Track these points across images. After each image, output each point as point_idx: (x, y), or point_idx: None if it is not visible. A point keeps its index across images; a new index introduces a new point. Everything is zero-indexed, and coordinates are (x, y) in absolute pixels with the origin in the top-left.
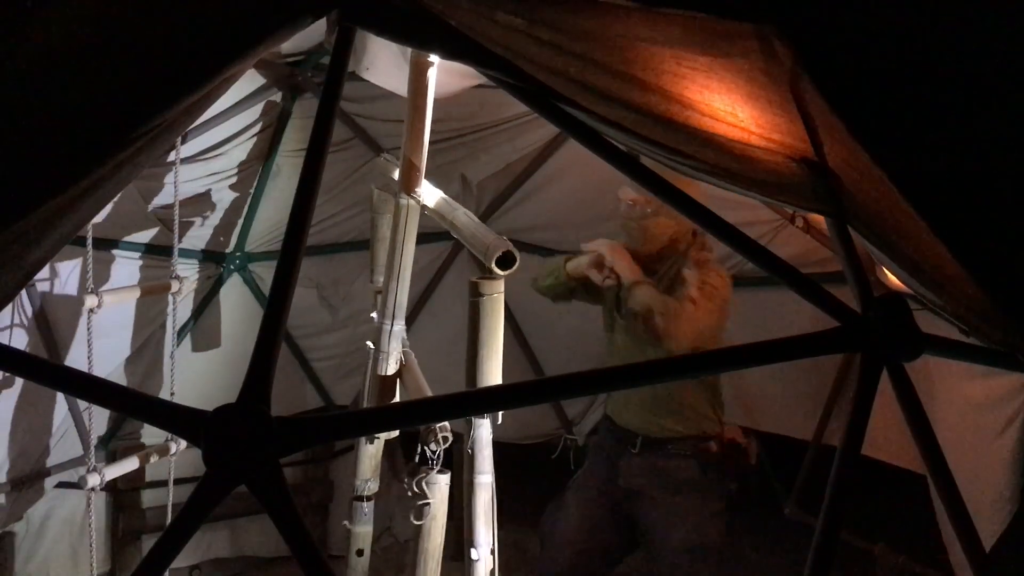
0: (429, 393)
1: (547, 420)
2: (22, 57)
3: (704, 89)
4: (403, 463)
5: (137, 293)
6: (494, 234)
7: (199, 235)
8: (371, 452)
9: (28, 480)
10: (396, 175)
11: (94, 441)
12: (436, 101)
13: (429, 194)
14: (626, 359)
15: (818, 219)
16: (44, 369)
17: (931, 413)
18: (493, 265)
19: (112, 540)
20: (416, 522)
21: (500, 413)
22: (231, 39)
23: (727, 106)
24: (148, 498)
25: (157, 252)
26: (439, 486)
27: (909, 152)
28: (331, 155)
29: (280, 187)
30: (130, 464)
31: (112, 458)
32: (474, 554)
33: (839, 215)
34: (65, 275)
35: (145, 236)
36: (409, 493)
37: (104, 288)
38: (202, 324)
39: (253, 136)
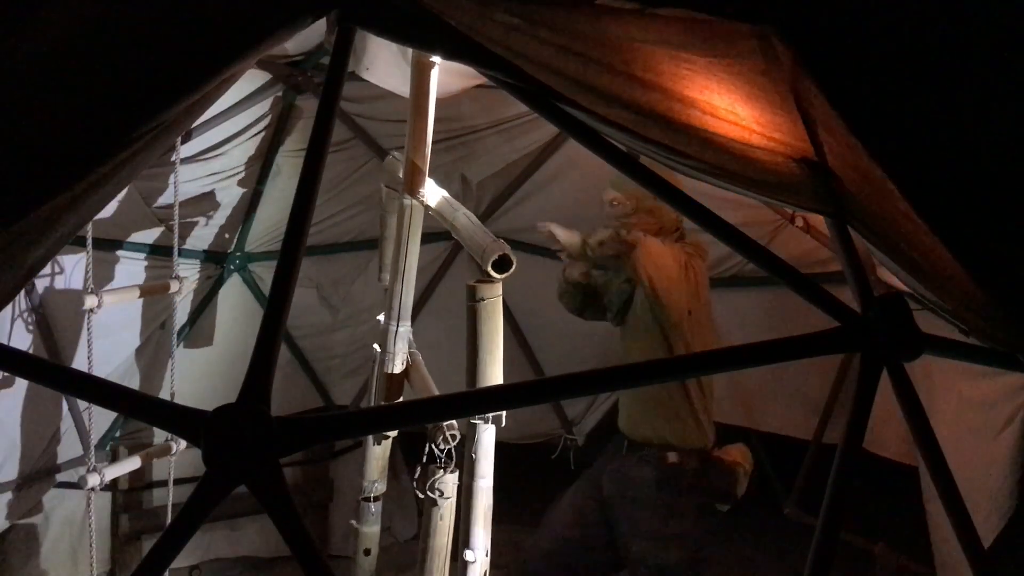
0: (436, 393)
1: (547, 420)
2: (23, 57)
3: (704, 89)
4: (403, 464)
5: (135, 294)
6: (491, 237)
7: (201, 235)
8: (378, 453)
9: (27, 480)
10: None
11: (94, 441)
12: (437, 101)
13: (432, 194)
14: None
15: (818, 219)
16: (44, 369)
17: (931, 412)
18: (489, 268)
19: (112, 540)
20: (440, 520)
21: (504, 416)
22: (231, 39)
23: (727, 105)
24: (148, 498)
25: (161, 253)
26: (448, 486)
27: (909, 152)
28: (331, 155)
29: (280, 187)
30: (130, 464)
31: (112, 458)
32: (469, 556)
33: (839, 215)
34: (66, 274)
35: (150, 236)
36: (418, 493)
37: (105, 288)
38: (200, 325)
39: (253, 136)
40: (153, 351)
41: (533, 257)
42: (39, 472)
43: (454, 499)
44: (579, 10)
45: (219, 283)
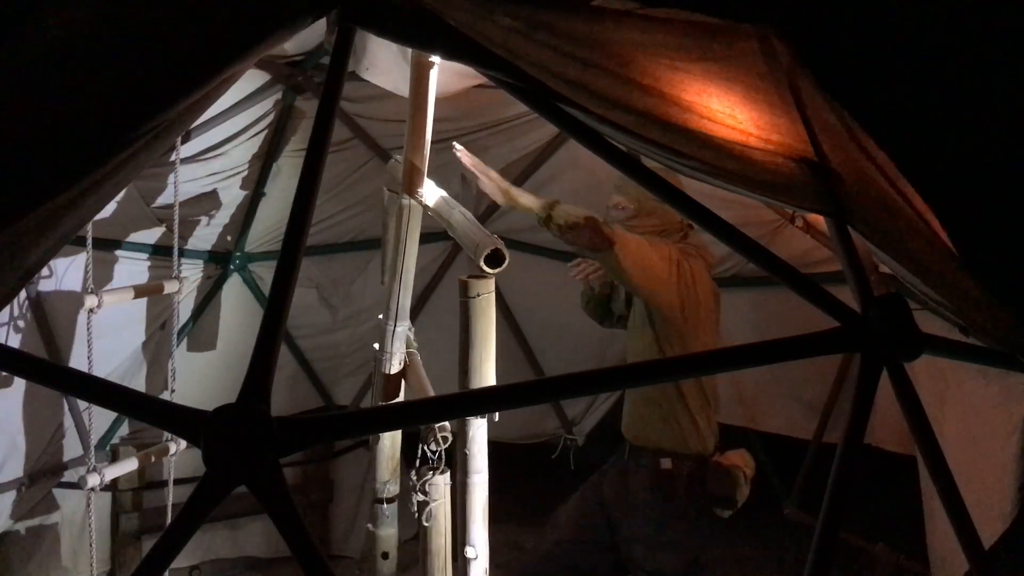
0: (432, 393)
1: (547, 420)
2: (23, 57)
3: (702, 92)
4: (402, 465)
5: (130, 295)
6: (485, 232)
7: (201, 235)
8: (387, 454)
9: (27, 481)
10: None
11: (94, 441)
12: (436, 101)
13: (431, 194)
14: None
15: (818, 219)
16: (44, 369)
17: (942, 413)
18: (482, 263)
19: (112, 540)
20: (426, 523)
21: (497, 412)
22: (231, 39)
23: (726, 109)
24: (148, 498)
25: (162, 253)
26: (439, 487)
27: (909, 152)
28: (331, 155)
29: (280, 187)
30: (130, 464)
31: (112, 458)
32: (470, 552)
33: (839, 215)
34: (63, 274)
35: (151, 237)
36: (415, 495)
37: (105, 288)
38: (201, 325)
39: (254, 136)
40: (153, 351)
41: (533, 257)
42: (40, 473)
43: (447, 500)
44: (578, 14)
45: (219, 283)
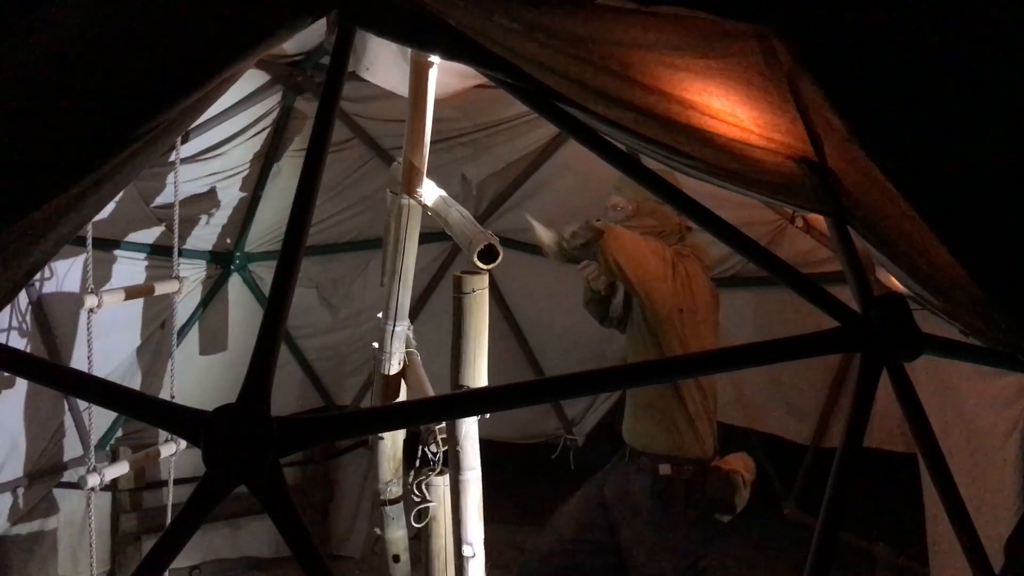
0: (431, 393)
1: (547, 420)
2: (23, 57)
3: (703, 91)
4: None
5: (135, 293)
6: (479, 228)
7: (201, 235)
8: (389, 454)
9: (27, 481)
10: None
11: (94, 441)
12: (436, 101)
13: (429, 193)
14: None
15: (818, 219)
16: (44, 369)
17: (943, 412)
18: (475, 258)
19: (112, 540)
20: (416, 524)
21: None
22: (231, 39)
23: (726, 108)
24: (148, 498)
25: (161, 253)
26: (438, 488)
27: (909, 151)
28: (331, 155)
29: (280, 187)
30: (130, 464)
31: (112, 458)
32: (467, 551)
33: (839, 215)
34: (62, 274)
35: (149, 236)
36: (413, 496)
37: (105, 288)
38: (208, 327)
39: (253, 136)
40: (153, 351)
41: (533, 258)
42: (40, 473)
43: (447, 501)
44: (578, 12)
45: (220, 283)
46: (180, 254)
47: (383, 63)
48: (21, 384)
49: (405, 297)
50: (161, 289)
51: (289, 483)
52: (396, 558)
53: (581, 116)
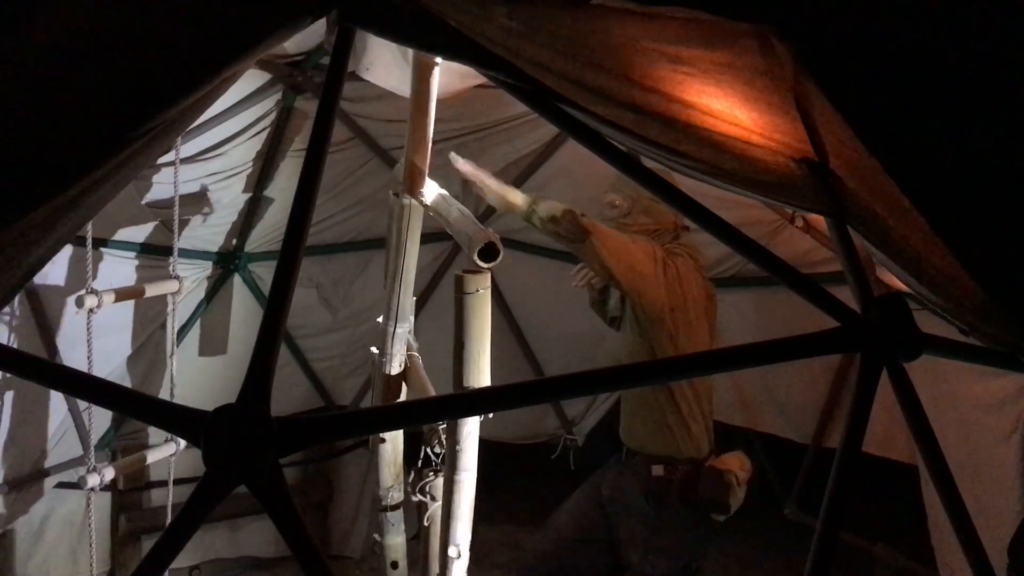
0: (433, 395)
1: (547, 420)
2: (23, 57)
3: (702, 93)
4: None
5: (136, 293)
6: (480, 226)
7: (201, 235)
8: (390, 460)
9: (27, 481)
10: None
11: (94, 441)
12: (437, 101)
13: (430, 192)
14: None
15: (818, 219)
16: (44, 369)
17: (941, 413)
18: (476, 257)
19: (112, 540)
20: (426, 524)
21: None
22: (231, 39)
23: (727, 107)
24: (148, 498)
25: (154, 252)
26: (439, 489)
27: (909, 152)
28: (331, 155)
29: (280, 187)
30: (130, 464)
31: (112, 458)
32: (452, 551)
33: (839, 215)
34: (46, 270)
35: (140, 235)
36: (414, 497)
37: (105, 289)
38: (209, 328)
39: (253, 136)
40: (152, 352)
41: (533, 257)
42: (39, 473)
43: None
44: (578, 12)
45: (219, 283)
46: (179, 254)
47: (383, 63)
48: (21, 384)
49: (406, 298)
50: (161, 289)
51: (289, 483)
52: (395, 565)
53: (581, 117)
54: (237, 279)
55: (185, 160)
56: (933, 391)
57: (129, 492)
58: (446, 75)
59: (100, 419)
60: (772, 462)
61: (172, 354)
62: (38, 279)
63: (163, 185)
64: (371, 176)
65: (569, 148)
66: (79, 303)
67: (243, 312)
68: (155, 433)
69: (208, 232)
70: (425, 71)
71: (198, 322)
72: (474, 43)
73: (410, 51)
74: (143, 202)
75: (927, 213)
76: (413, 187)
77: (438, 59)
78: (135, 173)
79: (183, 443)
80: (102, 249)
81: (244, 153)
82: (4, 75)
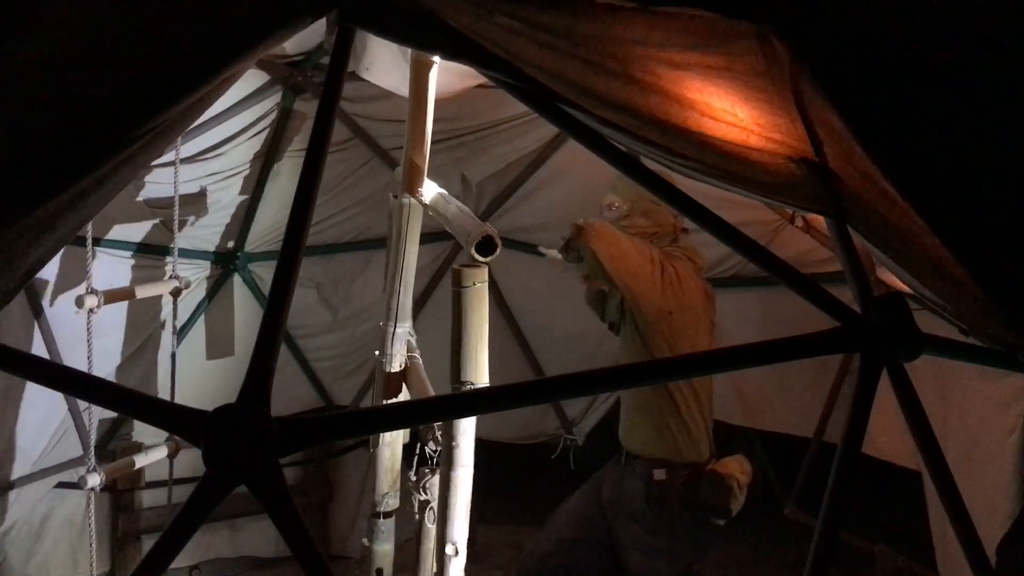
0: (432, 395)
1: (547, 420)
2: (23, 57)
3: (702, 91)
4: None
5: (136, 293)
6: (476, 220)
7: (201, 235)
8: (387, 465)
9: (25, 481)
10: None
11: (94, 441)
12: (436, 101)
13: (429, 191)
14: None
15: (818, 219)
16: (44, 369)
17: (943, 413)
18: (473, 251)
19: (112, 540)
20: (430, 524)
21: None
22: (231, 39)
23: (726, 106)
24: (148, 498)
25: (153, 252)
26: (435, 487)
27: (909, 151)
28: (331, 155)
29: (280, 187)
30: (130, 464)
31: (112, 458)
32: (450, 549)
33: (839, 215)
34: (52, 273)
35: (137, 235)
36: (413, 497)
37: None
38: (214, 330)
39: (253, 136)
40: (151, 352)
41: (533, 258)
42: (39, 473)
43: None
44: (578, 12)
45: (220, 283)
46: (179, 254)
47: (383, 63)
48: (21, 384)
49: (406, 297)
50: (160, 289)
51: (289, 483)
52: (379, 572)
53: (581, 117)
54: (237, 279)
55: (185, 160)
56: (934, 391)
57: (129, 492)
58: (446, 75)
59: (100, 419)
60: (772, 462)
61: (173, 354)
62: (38, 279)
63: (162, 185)
64: (371, 176)
65: (569, 148)
66: (79, 303)
67: (243, 312)
68: (143, 435)
69: (207, 232)
70: (423, 70)
71: (198, 322)
72: (474, 43)
73: (409, 51)
74: (138, 198)
75: (927, 213)
76: (412, 186)
77: (435, 58)
78: (135, 173)
79: (163, 452)
80: (96, 248)
81: (244, 153)
82: (4, 75)
